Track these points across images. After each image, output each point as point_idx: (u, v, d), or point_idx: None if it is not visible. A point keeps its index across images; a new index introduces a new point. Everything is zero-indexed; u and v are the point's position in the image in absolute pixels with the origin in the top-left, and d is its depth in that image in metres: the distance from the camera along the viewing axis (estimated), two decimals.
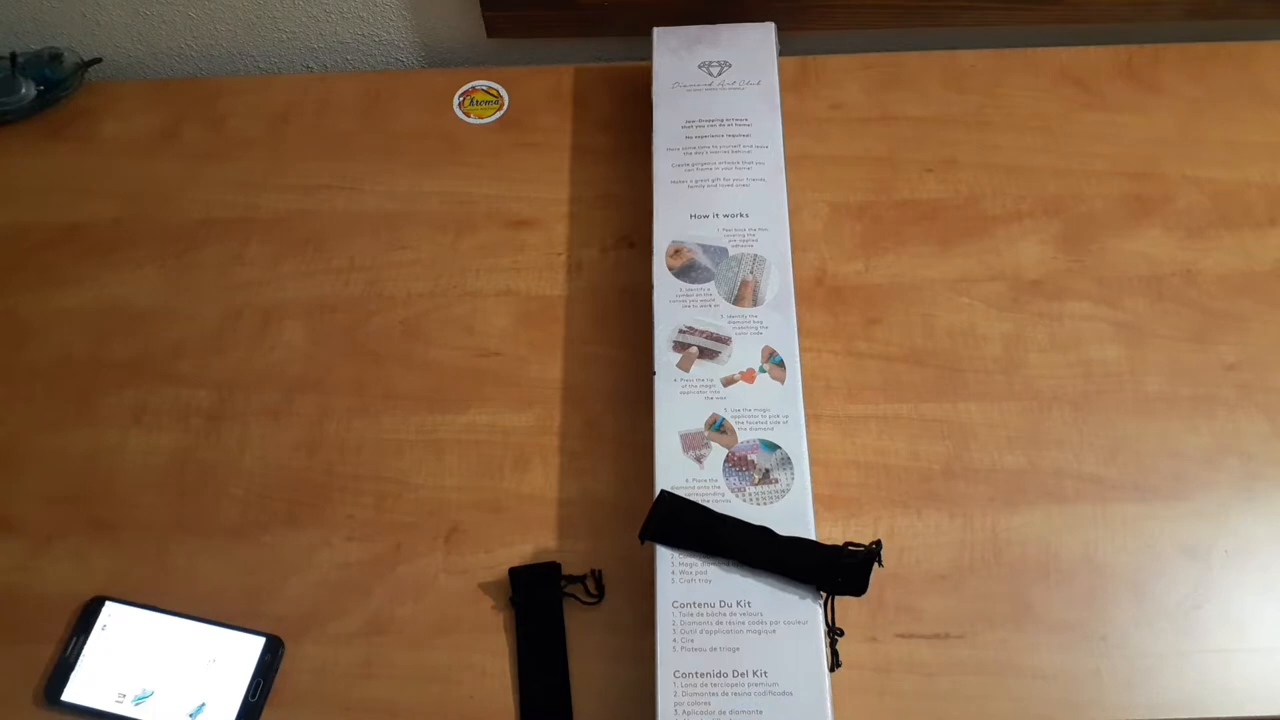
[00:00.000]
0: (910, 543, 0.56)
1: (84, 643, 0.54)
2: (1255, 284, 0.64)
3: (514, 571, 0.55)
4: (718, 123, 0.65)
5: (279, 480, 0.59)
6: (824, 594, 0.50)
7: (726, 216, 0.62)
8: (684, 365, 0.57)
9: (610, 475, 0.58)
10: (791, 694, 0.48)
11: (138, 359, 0.64)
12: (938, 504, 0.57)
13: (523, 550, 0.56)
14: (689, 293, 0.59)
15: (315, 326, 0.64)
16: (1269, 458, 0.58)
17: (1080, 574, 0.55)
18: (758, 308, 0.59)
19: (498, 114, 0.73)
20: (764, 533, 0.51)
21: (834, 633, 0.52)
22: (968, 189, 0.68)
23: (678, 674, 0.49)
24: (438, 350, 0.63)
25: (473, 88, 0.74)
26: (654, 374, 0.56)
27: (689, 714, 0.48)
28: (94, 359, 0.63)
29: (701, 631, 0.49)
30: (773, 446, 0.54)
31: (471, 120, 0.72)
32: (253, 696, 0.52)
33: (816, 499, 0.55)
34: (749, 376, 0.56)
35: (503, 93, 0.73)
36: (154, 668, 0.53)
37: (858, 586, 0.50)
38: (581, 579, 0.54)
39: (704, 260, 0.60)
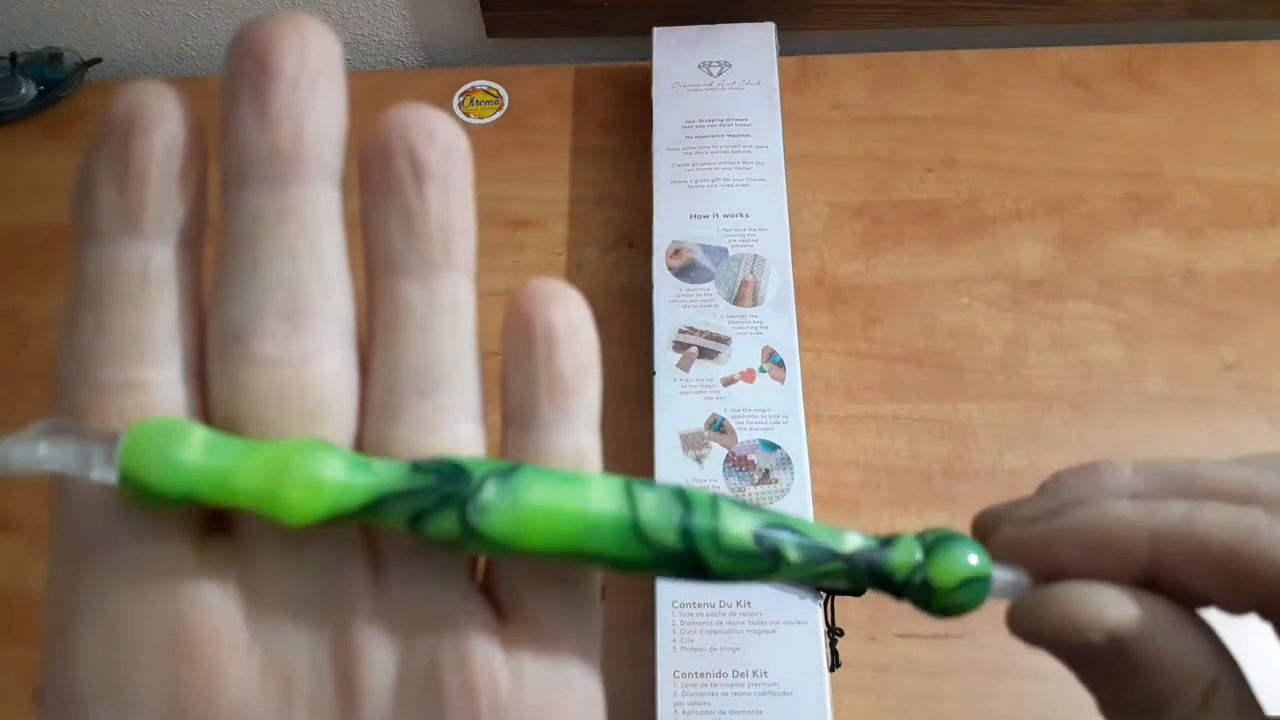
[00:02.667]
0: None
1: None
2: (1255, 284, 0.64)
3: None
4: (718, 123, 0.65)
5: None
6: (824, 594, 0.50)
7: (726, 216, 0.62)
8: (684, 365, 0.57)
9: None
10: (791, 694, 0.48)
11: None
12: (938, 504, 0.57)
13: None
14: (689, 293, 0.59)
15: None
16: None
17: None
18: (758, 308, 0.59)
19: (498, 114, 0.73)
20: None
21: (834, 632, 0.52)
22: (968, 189, 0.68)
23: (677, 674, 0.49)
24: None
25: (473, 88, 0.74)
26: (654, 374, 0.56)
27: (689, 714, 0.48)
28: None
29: (701, 631, 0.49)
30: (773, 446, 0.54)
31: (471, 120, 0.72)
32: None
33: (816, 499, 0.55)
34: (749, 376, 0.56)
35: (503, 93, 0.73)
36: None
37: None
38: None
39: (704, 260, 0.60)
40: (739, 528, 0.17)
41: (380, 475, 0.16)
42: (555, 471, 0.17)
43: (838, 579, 0.18)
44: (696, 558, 0.17)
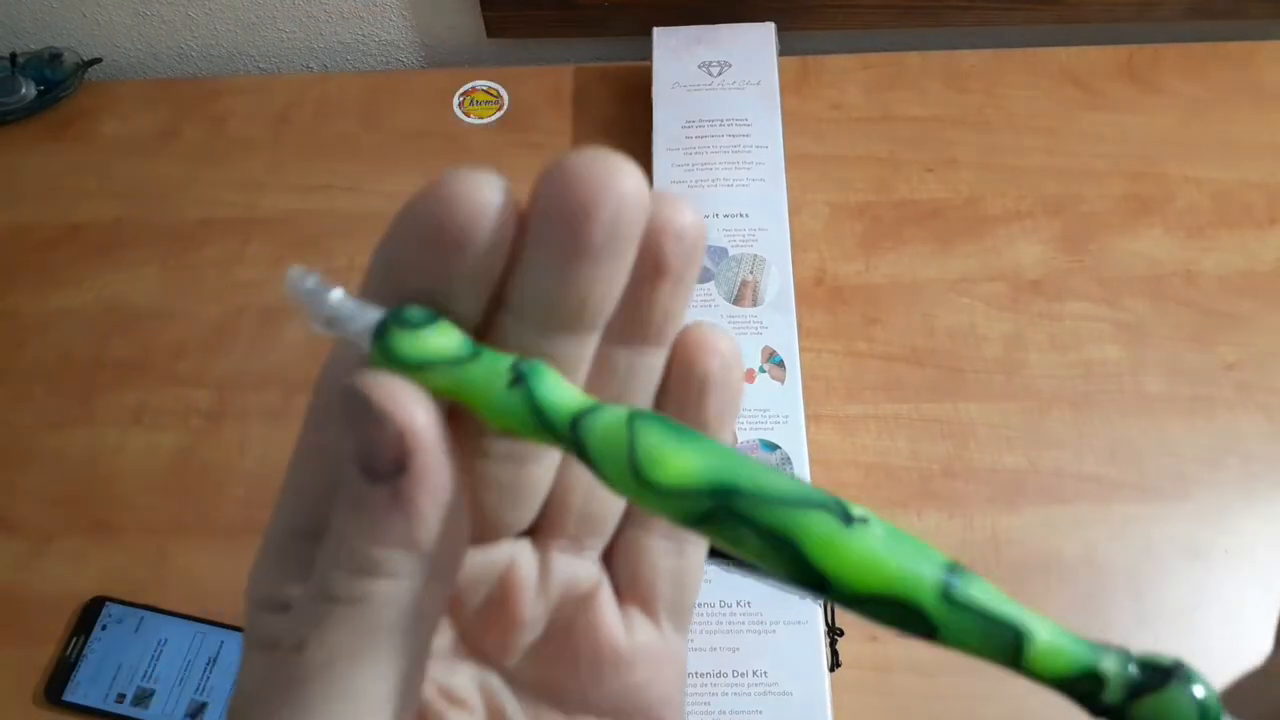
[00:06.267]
0: None
1: (84, 643, 0.54)
2: (1256, 284, 0.64)
3: None
4: (718, 123, 0.65)
5: (279, 480, 0.59)
6: None
7: (726, 216, 0.62)
8: None
9: None
10: (791, 694, 0.48)
11: (138, 359, 0.64)
12: (938, 504, 0.57)
13: None
14: None
15: None
16: (1269, 458, 0.58)
17: (1080, 574, 0.55)
18: (758, 308, 0.59)
19: (498, 114, 0.73)
20: None
21: (834, 632, 0.52)
22: (968, 189, 0.68)
23: None
24: None
25: (473, 88, 0.74)
26: None
27: (689, 714, 0.48)
28: (94, 359, 0.63)
29: (701, 631, 0.49)
30: (773, 446, 0.54)
31: (471, 120, 0.72)
32: None
33: None
34: (749, 376, 0.56)
35: (503, 93, 0.73)
36: (154, 668, 0.53)
37: None
38: None
39: (704, 260, 0.60)
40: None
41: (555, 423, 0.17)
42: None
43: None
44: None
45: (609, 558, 0.20)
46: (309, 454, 0.19)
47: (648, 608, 0.20)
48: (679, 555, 0.20)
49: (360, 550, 0.16)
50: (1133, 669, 0.16)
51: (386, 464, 0.16)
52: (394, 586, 0.17)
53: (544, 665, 0.19)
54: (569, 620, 0.20)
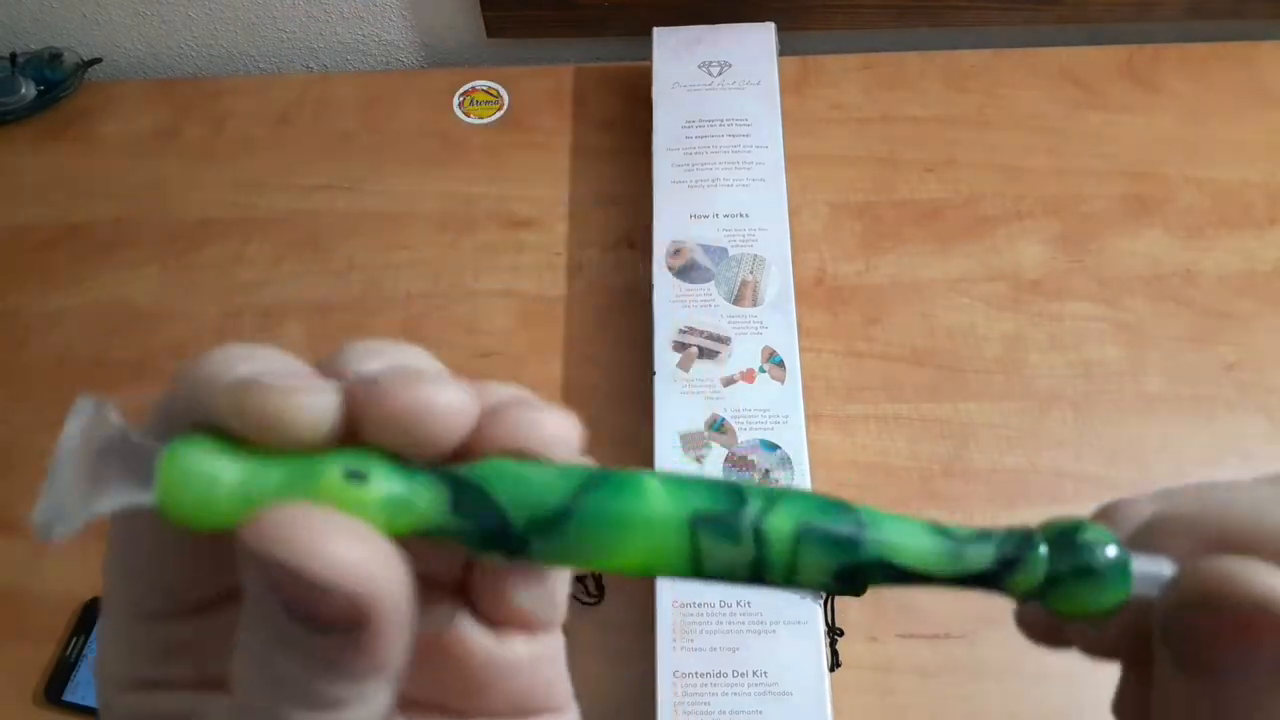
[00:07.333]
0: None
1: (84, 643, 0.54)
2: (1255, 284, 0.64)
3: None
4: (718, 123, 0.65)
5: None
6: (823, 594, 0.50)
7: (726, 216, 0.62)
8: (684, 365, 0.57)
9: None
10: (791, 694, 0.48)
11: (138, 359, 0.63)
12: (938, 504, 0.57)
13: None
14: (689, 293, 0.59)
15: (315, 326, 0.64)
16: (1269, 458, 0.58)
17: None
18: (758, 308, 0.59)
19: (498, 114, 0.73)
20: None
21: (834, 632, 0.52)
22: (968, 189, 0.68)
23: (677, 674, 0.49)
24: (437, 350, 0.62)
25: (473, 88, 0.74)
26: (654, 374, 0.56)
27: (689, 714, 0.48)
28: (94, 359, 0.63)
29: (701, 631, 0.49)
30: (773, 446, 0.54)
31: (471, 120, 0.72)
32: None
33: None
34: (749, 376, 0.56)
35: (503, 93, 0.73)
36: None
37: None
38: (582, 578, 0.54)
39: (704, 260, 0.60)
40: (817, 572, 0.16)
41: (422, 512, 0.16)
42: (611, 513, 0.17)
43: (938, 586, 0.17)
44: (764, 586, 0.17)
45: (466, 589, 0.20)
46: (138, 531, 0.18)
47: (520, 627, 0.19)
48: (540, 581, 0.19)
49: (319, 691, 0.15)
50: (1042, 549, 0.17)
51: (337, 622, 0.15)
52: (363, 710, 0.16)
53: (424, 686, 0.19)
54: (436, 643, 0.18)
